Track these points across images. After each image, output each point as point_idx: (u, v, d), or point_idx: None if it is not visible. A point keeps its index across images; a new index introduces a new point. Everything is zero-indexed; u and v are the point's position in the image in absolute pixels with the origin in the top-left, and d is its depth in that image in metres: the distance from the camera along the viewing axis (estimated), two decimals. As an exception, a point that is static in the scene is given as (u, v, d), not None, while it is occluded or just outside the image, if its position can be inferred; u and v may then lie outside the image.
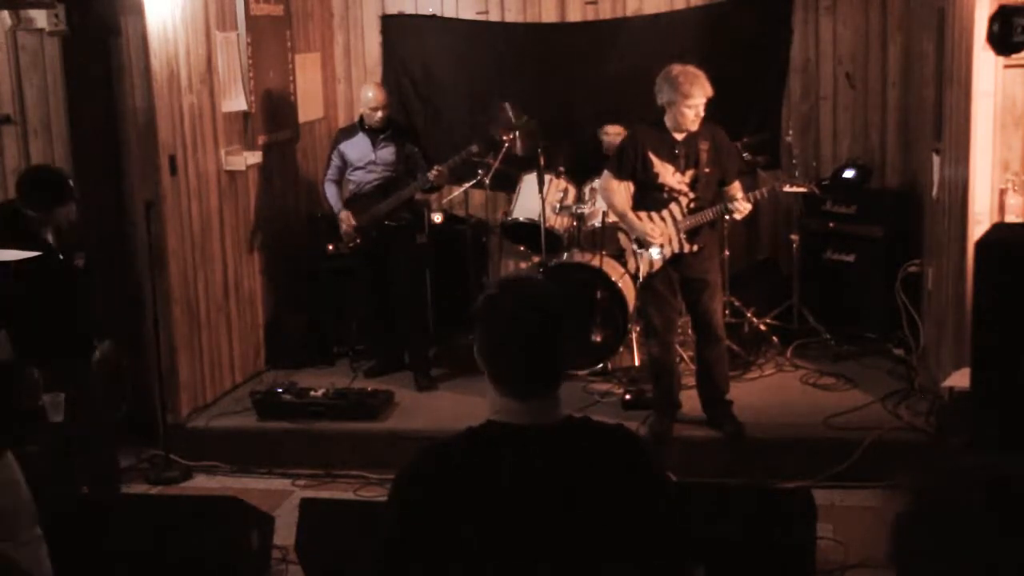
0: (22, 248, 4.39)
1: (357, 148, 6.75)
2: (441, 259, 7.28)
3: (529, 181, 6.91)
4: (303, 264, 7.52)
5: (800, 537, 4.26)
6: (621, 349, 6.73)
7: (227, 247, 6.86)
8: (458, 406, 6.24)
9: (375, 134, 6.71)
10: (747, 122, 7.14)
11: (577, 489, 2.11)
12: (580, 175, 6.95)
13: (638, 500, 2.14)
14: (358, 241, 6.76)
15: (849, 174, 7.19)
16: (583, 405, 6.08)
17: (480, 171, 6.89)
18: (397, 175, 6.73)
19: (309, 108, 7.80)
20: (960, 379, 4.97)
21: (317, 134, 7.95)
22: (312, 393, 6.39)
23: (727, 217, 5.93)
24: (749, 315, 6.89)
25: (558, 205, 6.86)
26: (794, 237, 7.03)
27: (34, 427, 4.13)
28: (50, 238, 4.99)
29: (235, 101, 6.87)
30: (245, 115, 6.99)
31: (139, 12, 6.02)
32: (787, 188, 6.23)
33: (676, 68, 5.51)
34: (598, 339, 6.58)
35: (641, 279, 5.80)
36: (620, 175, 5.74)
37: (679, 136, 5.58)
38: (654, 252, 5.66)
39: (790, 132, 7.19)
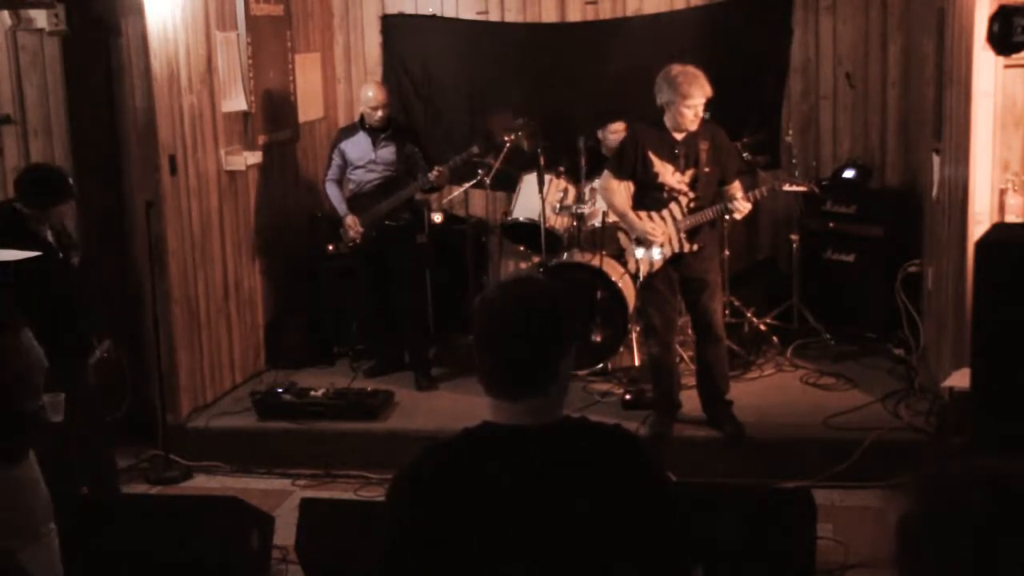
0: (22, 247, 4.40)
1: (358, 147, 6.75)
2: (441, 259, 7.27)
3: (529, 181, 6.91)
4: (303, 264, 7.52)
5: (800, 537, 4.26)
6: (621, 349, 6.73)
7: (227, 247, 6.86)
8: (458, 406, 6.24)
9: (376, 133, 6.71)
10: (747, 122, 7.14)
11: (575, 489, 2.10)
12: (580, 175, 6.95)
13: (637, 500, 2.13)
14: (358, 241, 6.76)
15: (849, 174, 7.19)
16: (583, 405, 6.08)
17: (480, 171, 6.89)
18: (397, 175, 6.73)
19: (309, 108, 7.80)
20: (960, 379, 4.97)
21: (317, 134, 7.95)
22: (312, 393, 6.40)
23: (727, 217, 5.94)
24: (749, 315, 6.89)
25: (558, 205, 6.87)
26: (794, 237, 7.03)
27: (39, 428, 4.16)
28: (50, 237, 4.99)
29: (235, 101, 6.87)
30: (245, 115, 6.99)
31: (139, 12, 6.02)
32: (787, 187, 6.23)
33: (675, 68, 5.51)
34: (598, 339, 6.58)
35: (641, 279, 5.80)
36: (620, 175, 5.74)
37: (679, 136, 5.58)
38: (654, 252, 5.66)
39: (790, 132, 7.20)
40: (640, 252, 5.73)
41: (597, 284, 6.56)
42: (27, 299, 4.73)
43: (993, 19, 4.98)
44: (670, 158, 5.60)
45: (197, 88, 6.48)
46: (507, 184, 7.19)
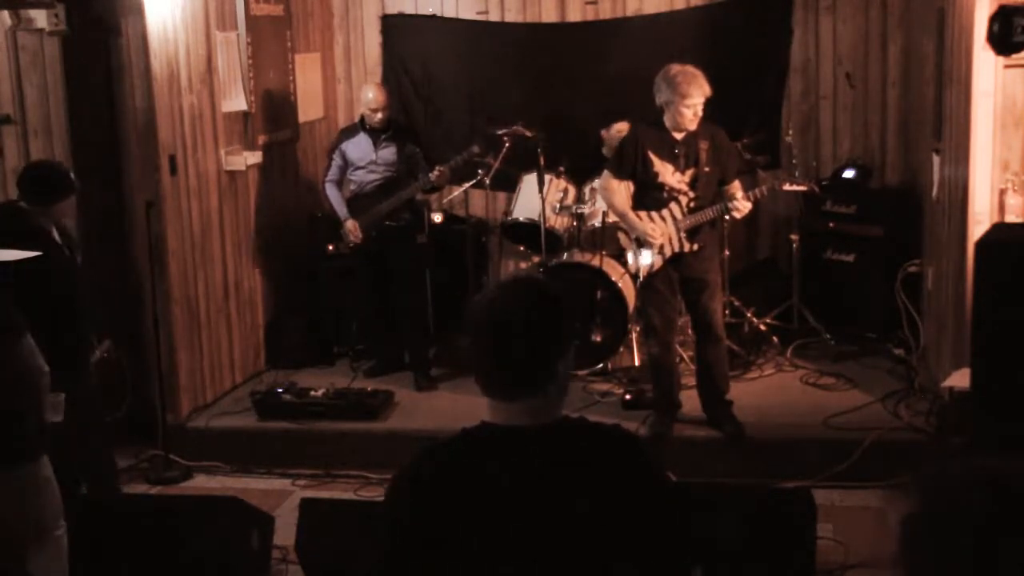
0: (28, 246, 4.42)
1: (359, 148, 6.75)
2: (441, 259, 7.27)
3: (529, 181, 6.91)
4: (303, 264, 7.52)
5: (800, 537, 4.26)
6: (621, 349, 6.73)
7: (227, 247, 6.86)
8: (458, 406, 6.23)
9: (377, 134, 6.71)
10: (747, 122, 7.14)
11: (574, 490, 2.09)
12: (580, 175, 6.95)
13: (637, 500, 2.12)
14: (358, 243, 6.76)
15: (849, 174, 7.19)
16: (583, 405, 6.08)
17: (480, 171, 6.89)
18: (398, 175, 6.73)
19: (309, 108, 7.80)
20: (960, 379, 4.97)
21: (317, 134, 7.95)
22: (312, 393, 6.40)
23: (727, 216, 5.94)
24: (749, 315, 6.89)
25: (558, 205, 6.87)
26: (794, 237, 7.03)
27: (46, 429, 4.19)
28: (56, 235, 4.99)
29: (235, 101, 6.87)
30: (245, 115, 6.99)
31: (139, 12, 6.02)
32: (787, 186, 6.23)
33: (674, 68, 5.51)
34: (598, 339, 6.58)
35: (641, 279, 5.80)
36: (620, 175, 5.74)
37: (678, 135, 5.58)
38: (654, 253, 5.66)
39: (790, 132, 7.20)
40: (640, 252, 5.73)
41: (597, 284, 6.56)
42: (31, 298, 4.73)
43: (993, 19, 4.98)
44: (670, 158, 5.60)
45: (197, 88, 6.48)
46: (507, 184, 7.19)
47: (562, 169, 6.95)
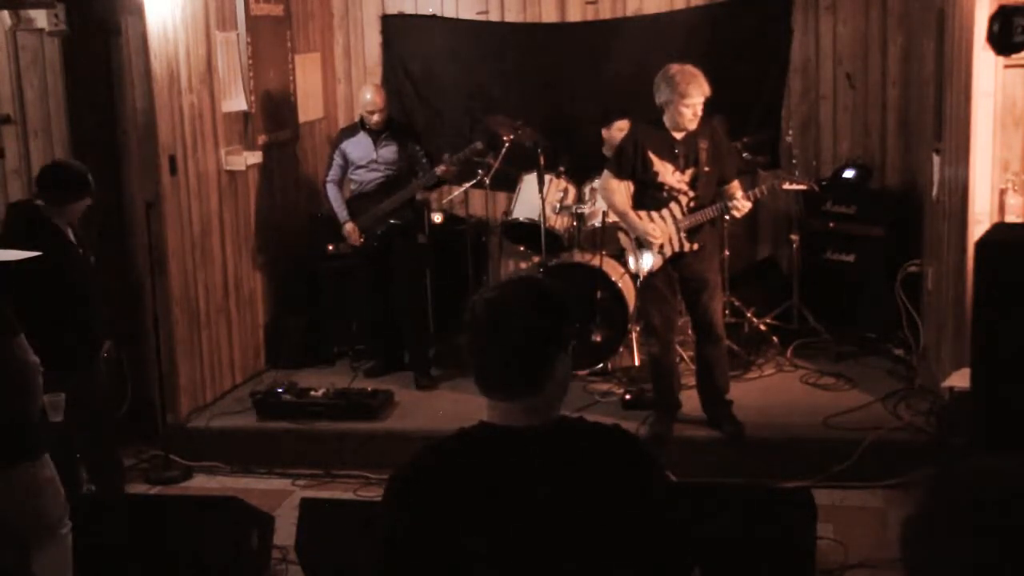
0: (45, 245, 4.46)
1: (359, 147, 6.75)
2: (441, 259, 7.27)
3: (529, 181, 6.91)
4: (303, 264, 7.52)
5: (800, 537, 4.26)
6: (621, 349, 6.73)
7: (227, 247, 6.86)
8: (458, 406, 6.23)
9: (377, 133, 6.72)
10: (747, 122, 7.14)
11: (574, 490, 2.09)
12: (580, 175, 6.95)
13: (636, 500, 2.12)
14: (359, 245, 6.77)
15: (849, 174, 7.19)
16: (583, 405, 6.08)
17: (480, 171, 6.89)
18: (399, 174, 6.73)
19: (309, 108, 7.80)
20: (960, 379, 4.97)
21: (317, 134, 7.95)
22: (312, 393, 6.40)
23: (727, 216, 5.94)
24: (749, 315, 6.89)
25: (558, 205, 6.86)
26: (794, 237, 7.03)
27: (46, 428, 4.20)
28: (71, 235, 5.01)
29: (235, 101, 6.86)
30: (245, 115, 6.99)
31: (139, 12, 6.02)
32: (787, 185, 6.24)
33: (674, 67, 5.51)
34: (598, 339, 6.58)
35: (641, 279, 5.80)
36: (620, 174, 5.74)
37: (678, 135, 5.58)
38: (653, 254, 5.66)
39: (790, 132, 7.19)
40: (641, 252, 5.73)
41: (597, 284, 6.56)
42: (44, 297, 4.74)
43: (993, 19, 4.98)
44: (670, 157, 5.60)
45: (197, 88, 6.48)
46: (507, 184, 7.19)
47: (562, 169, 6.95)
